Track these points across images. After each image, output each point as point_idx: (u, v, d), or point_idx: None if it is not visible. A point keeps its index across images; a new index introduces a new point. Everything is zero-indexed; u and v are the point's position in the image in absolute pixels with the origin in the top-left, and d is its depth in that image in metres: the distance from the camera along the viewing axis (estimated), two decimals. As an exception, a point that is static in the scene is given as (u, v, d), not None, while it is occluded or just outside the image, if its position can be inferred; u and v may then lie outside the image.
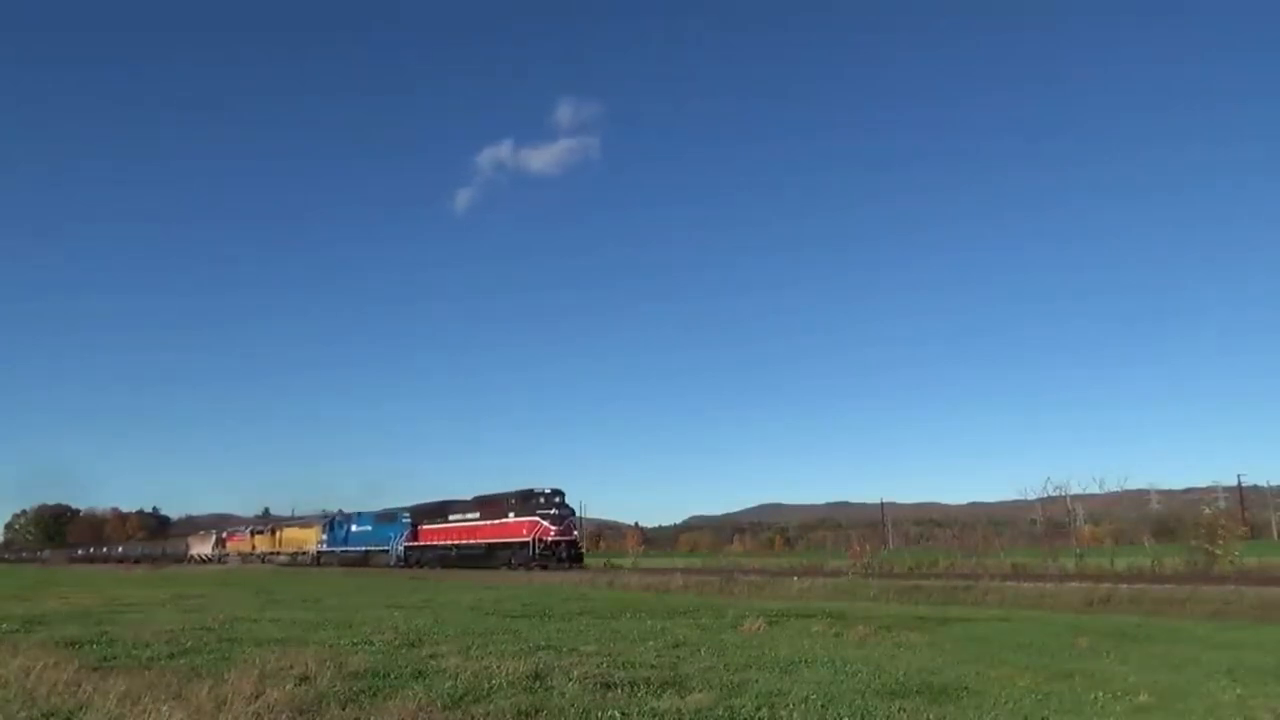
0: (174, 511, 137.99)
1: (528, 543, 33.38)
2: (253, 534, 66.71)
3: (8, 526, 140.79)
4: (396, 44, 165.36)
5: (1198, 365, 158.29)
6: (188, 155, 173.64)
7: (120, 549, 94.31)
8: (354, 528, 48.65)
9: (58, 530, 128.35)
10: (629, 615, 13.41)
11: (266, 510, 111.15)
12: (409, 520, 43.39)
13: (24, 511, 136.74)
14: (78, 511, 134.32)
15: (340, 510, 53.88)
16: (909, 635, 10.25)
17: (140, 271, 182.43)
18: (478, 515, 37.73)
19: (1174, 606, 13.56)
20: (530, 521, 33.94)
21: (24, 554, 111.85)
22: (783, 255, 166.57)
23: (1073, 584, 16.67)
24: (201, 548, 73.60)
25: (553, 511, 33.89)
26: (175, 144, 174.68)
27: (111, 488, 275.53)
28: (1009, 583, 17.50)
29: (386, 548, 44.06)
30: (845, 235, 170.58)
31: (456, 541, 38.75)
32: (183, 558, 74.33)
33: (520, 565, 33.20)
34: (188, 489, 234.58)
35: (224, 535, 72.81)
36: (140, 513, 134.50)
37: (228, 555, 68.01)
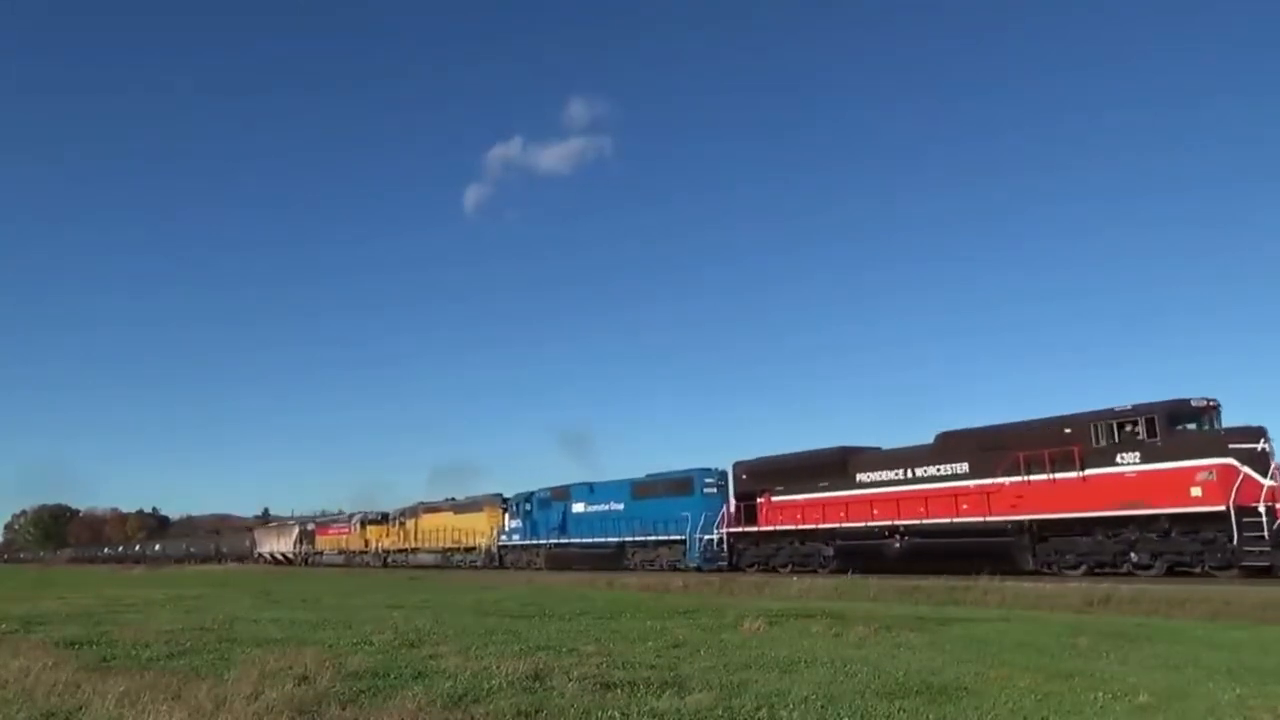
0: (174, 511, 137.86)
1: (1221, 514, 15.95)
2: (365, 525, 47.01)
3: (7, 527, 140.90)
4: (405, 40, 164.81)
5: (1198, 365, 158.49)
6: (190, 152, 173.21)
7: (157, 547, 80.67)
8: (579, 506, 30.90)
9: (57, 530, 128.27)
10: (628, 615, 13.40)
11: (266, 510, 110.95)
12: (722, 489, 26.16)
13: (24, 511, 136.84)
14: (77, 512, 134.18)
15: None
16: (909, 635, 10.25)
17: (141, 270, 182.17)
18: (967, 466, 20.30)
19: (1174, 606, 13.55)
20: (1222, 468, 16.16)
21: (41, 554, 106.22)
22: (792, 254, 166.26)
23: (1073, 584, 16.69)
24: (275, 544, 57.53)
25: (1260, 446, 16.35)
26: (177, 139, 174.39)
27: (111, 488, 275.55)
28: (1009, 583, 17.48)
29: (668, 537, 26.55)
30: (853, 233, 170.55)
31: (896, 521, 21.45)
32: (246, 556, 60.48)
33: (1213, 565, 16.53)
34: (188, 489, 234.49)
35: (311, 527, 54.37)
36: (140, 513, 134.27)
37: (319, 555, 50.91)
